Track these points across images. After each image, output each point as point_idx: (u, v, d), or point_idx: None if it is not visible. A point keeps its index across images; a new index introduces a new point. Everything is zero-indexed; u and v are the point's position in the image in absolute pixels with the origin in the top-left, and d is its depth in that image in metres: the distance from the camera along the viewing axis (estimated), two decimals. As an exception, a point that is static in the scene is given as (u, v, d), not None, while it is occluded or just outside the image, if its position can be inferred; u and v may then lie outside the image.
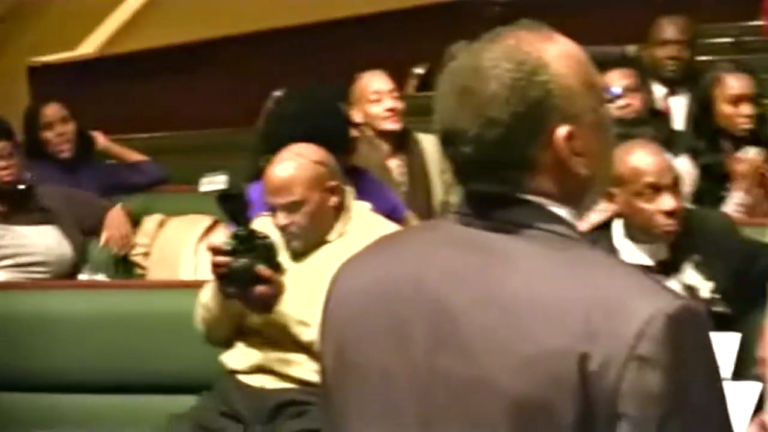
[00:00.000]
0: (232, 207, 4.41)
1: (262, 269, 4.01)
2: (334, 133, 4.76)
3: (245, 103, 7.13)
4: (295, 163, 4.22)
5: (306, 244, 4.24)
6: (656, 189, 4.15)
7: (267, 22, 9.12)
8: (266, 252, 4.06)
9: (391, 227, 4.27)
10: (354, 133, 5.14)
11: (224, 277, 4.03)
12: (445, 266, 1.84)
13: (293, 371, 4.17)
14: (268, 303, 4.08)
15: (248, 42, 9.14)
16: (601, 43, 6.29)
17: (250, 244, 4.03)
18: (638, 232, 4.22)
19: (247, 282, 4.02)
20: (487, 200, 1.84)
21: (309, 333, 3.98)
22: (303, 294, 4.01)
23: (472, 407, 1.78)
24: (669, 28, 6.78)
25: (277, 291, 4.06)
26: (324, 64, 7.10)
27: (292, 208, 4.17)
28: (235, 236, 4.04)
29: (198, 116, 8.62)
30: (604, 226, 4.31)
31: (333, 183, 4.26)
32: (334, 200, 4.25)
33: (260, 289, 4.02)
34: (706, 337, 1.78)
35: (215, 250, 4.04)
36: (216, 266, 4.03)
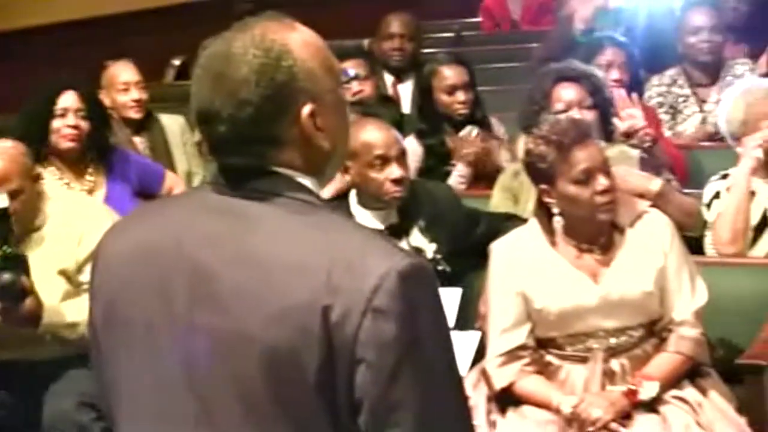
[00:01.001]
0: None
1: (25, 281, 3.82)
2: None
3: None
4: (5, 155, 4.17)
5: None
6: (385, 160, 4.21)
7: (37, 18, 8.97)
8: (24, 264, 3.84)
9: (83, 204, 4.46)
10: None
11: None
12: (202, 230, 1.86)
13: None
14: (35, 317, 3.91)
15: (19, 36, 8.95)
16: (340, 37, 6.38)
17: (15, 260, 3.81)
18: (370, 199, 4.28)
19: (16, 297, 3.81)
20: (239, 172, 1.87)
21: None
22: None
23: (229, 357, 1.79)
24: (394, 23, 6.97)
25: (39, 303, 3.92)
26: (92, 57, 7.01)
27: (13, 196, 4.06)
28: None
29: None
30: (343, 196, 4.37)
31: (36, 172, 4.29)
32: (37, 188, 4.25)
33: (29, 303, 3.85)
34: (433, 291, 1.83)
35: None
36: None
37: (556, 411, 3.71)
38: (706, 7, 6.37)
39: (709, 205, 4.61)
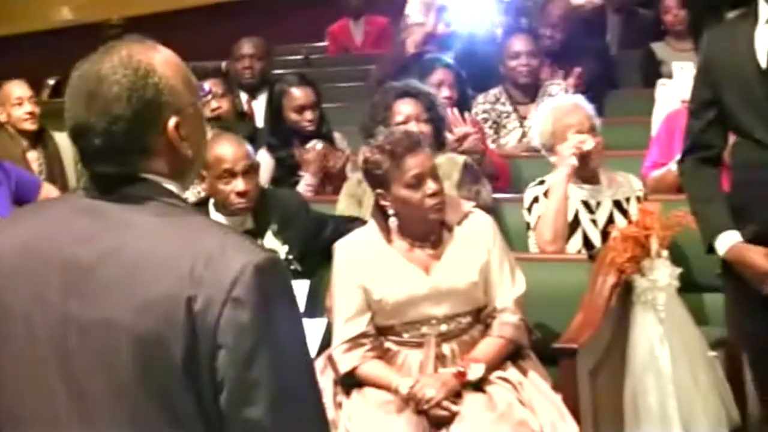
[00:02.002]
0: None
1: None
2: None
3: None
4: None
5: None
6: (231, 174, 4.21)
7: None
8: None
9: None
10: None
11: None
12: (76, 229, 1.85)
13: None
14: None
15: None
16: (199, 58, 6.38)
17: None
18: (222, 207, 4.28)
19: None
20: (112, 179, 1.87)
21: None
22: None
23: (101, 345, 1.78)
24: (246, 45, 6.99)
25: None
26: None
27: None
28: None
29: None
30: (203, 202, 4.37)
31: None
32: None
33: None
34: (286, 283, 1.85)
35: None
36: None
37: (395, 392, 3.72)
38: (524, 34, 6.49)
39: (529, 209, 4.65)
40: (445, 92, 5.54)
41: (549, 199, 4.57)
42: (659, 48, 7.58)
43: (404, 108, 4.75)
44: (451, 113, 5.16)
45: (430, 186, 3.79)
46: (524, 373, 3.85)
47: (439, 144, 4.69)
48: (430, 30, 7.55)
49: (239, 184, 4.22)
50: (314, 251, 4.36)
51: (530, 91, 6.26)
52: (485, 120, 6.20)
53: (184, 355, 1.75)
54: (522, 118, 6.17)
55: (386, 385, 3.77)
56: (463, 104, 5.60)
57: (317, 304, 4.26)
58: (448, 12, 7.93)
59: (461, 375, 3.74)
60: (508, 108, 6.27)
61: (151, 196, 1.86)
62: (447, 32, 7.63)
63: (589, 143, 4.59)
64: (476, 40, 7.65)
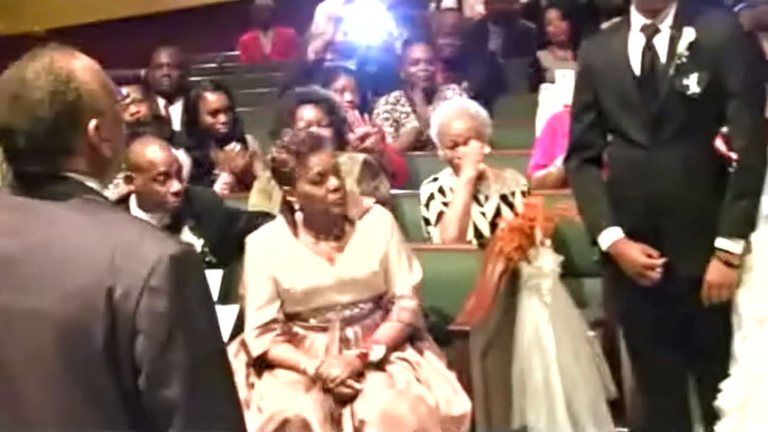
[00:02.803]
0: None
1: None
2: None
3: None
4: None
5: None
6: (167, 176, 4.19)
7: None
8: None
9: None
10: None
11: None
12: (3, 225, 1.84)
13: None
14: None
15: None
16: (121, 66, 6.30)
17: None
18: (150, 205, 4.23)
19: None
20: (36, 178, 1.85)
21: None
22: None
23: (29, 334, 1.77)
24: (163, 54, 6.88)
25: None
26: None
27: None
28: None
29: None
30: (124, 200, 4.31)
31: None
32: None
33: None
34: (200, 272, 1.85)
35: None
36: None
37: (303, 372, 3.71)
38: (423, 43, 6.52)
39: (427, 206, 4.64)
40: (347, 96, 5.54)
41: (454, 201, 4.55)
42: (543, 56, 7.62)
43: (306, 113, 4.72)
44: (353, 115, 5.16)
45: (332, 182, 3.77)
46: (421, 353, 3.85)
47: (340, 144, 4.66)
48: (328, 39, 7.55)
49: (175, 184, 4.20)
50: (228, 244, 4.31)
51: (428, 94, 6.28)
52: (386, 119, 6.19)
53: (105, 341, 1.74)
54: (419, 118, 6.18)
55: (295, 366, 3.75)
56: (363, 107, 5.62)
57: (230, 293, 4.22)
58: (345, 23, 7.92)
59: (364, 356, 3.73)
60: (407, 109, 6.26)
61: (73, 193, 1.85)
62: (345, 41, 7.62)
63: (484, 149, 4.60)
64: (373, 49, 7.64)
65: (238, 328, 3.97)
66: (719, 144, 3.63)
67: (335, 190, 3.79)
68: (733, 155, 3.65)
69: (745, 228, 3.64)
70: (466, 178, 4.55)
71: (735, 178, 3.63)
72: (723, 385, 3.65)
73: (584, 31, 6.79)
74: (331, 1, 9.89)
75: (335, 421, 3.63)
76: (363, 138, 5.05)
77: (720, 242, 3.65)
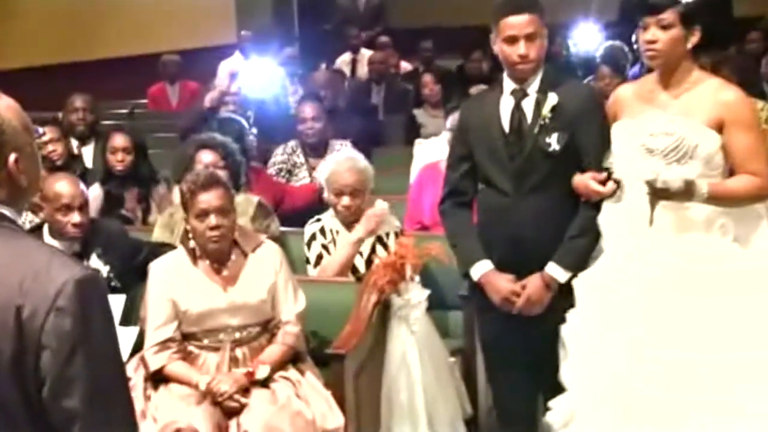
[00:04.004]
0: None
1: None
2: None
3: None
4: None
5: None
6: (69, 208, 4.13)
7: None
8: None
9: None
10: None
11: None
12: None
13: None
14: None
15: None
16: (40, 109, 6.18)
17: None
18: (57, 234, 4.17)
19: None
20: None
21: None
22: None
23: None
24: (78, 100, 6.73)
25: None
26: None
27: None
28: None
29: None
30: (38, 228, 4.26)
31: None
32: None
33: None
34: (104, 295, 1.84)
35: None
36: None
37: (196, 387, 3.69)
38: (312, 102, 6.35)
39: (308, 245, 4.59)
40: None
41: (337, 252, 4.51)
42: (419, 113, 7.73)
43: (204, 157, 4.68)
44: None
45: (212, 221, 3.77)
46: (302, 373, 3.85)
47: (236, 185, 4.61)
48: (224, 90, 7.52)
49: (75, 216, 4.13)
50: (131, 271, 4.26)
51: (320, 147, 6.15)
52: (280, 170, 6.14)
53: (13, 355, 1.73)
54: (312, 169, 6.07)
55: (188, 381, 3.72)
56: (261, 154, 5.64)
57: (132, 315, 4.17)
58: (239, 77, 8.00)
59: (250, 374, 3.72)
60: (302, 159, 6.19)
61: None
62: (238, 93, 7.61)
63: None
64: (266, 102, 7.68)
65: (138, 346, 3.92)
66: (591, 182, 3.62)
67: (213, 228, 3.77)
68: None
69: (575, 263, 3.66)
70: (356, 237, 4.47)
71: (577, 219, 3.68)
72: (551, 403, 3.67)
73: (454, 94, 6.94)
74: (232, 58, 9.94)
75: (222, 431, 3.61)
76: None
77: (549, 266, 3.67)
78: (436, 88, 7.69)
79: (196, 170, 4.04)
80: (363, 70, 10.11)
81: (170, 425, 3.55)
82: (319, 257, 4.56)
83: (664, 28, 3.45)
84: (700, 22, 3.49)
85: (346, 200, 4.54)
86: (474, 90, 6.81)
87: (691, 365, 3.33)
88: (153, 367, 3.77)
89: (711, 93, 3.47)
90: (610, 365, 3.48)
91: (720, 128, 3.43)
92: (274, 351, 3.84)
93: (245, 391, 3.69)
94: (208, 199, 3.79)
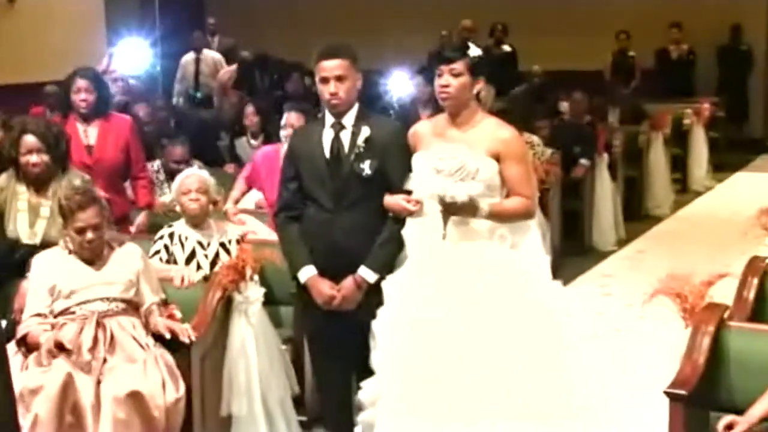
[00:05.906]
0: None
1: None
2: None
3: None
4: None
5: None
6: None
7: None
8: None
9: None
10: None
11: None
12: None
13: None
14: None
15: None
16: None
17: None
18: None
19: None
20: None
21: None
22: None
23: None
24: None
25: None
26: None
27: None
28: None
29: None
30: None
31: None
32: None
33: None
34: None
35: None
36: None
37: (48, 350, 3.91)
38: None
39: (156, 241, 4.71)
40: (82, 96, 5.58)
41: (163, 271, 4.54)
42: (238, 143, 7.99)
43: (28, 141, 4.58)
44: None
45: (89, 235, 4.09)
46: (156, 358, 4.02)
47: (63, 167, 4.62)
48: (104, 68, 7.30)
49: None
50: (9, 268, 4.43)
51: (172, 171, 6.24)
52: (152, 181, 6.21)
53: None
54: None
55: (37, 343, 3.98)
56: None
57: (6, 306, 4.33)
58: (115, 56, 7.93)
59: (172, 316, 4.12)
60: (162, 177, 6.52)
61: None
62: (115, 71, 7.60)
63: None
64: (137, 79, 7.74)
65: (8, 336, 3.91)
66: (402, 201, 3.89)
67: (89, 242, 4.11)
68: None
69: (382, 266, 3.94)
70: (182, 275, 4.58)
71: (385, 231, 3.97)
72: (363, 384, 3.94)
73: (272, 123, 7.09)
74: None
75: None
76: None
77: (361, 269, 3.95)
78: (256, 119, 7.76)
79: (74, 186, 4.25)
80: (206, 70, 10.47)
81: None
82: (157, 252, 4.73)
83: (455, 76, 3.87)
84: (483, 73, 3.97)
85: (193, 195, 4.77)
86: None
87: (474, 353, 3.74)
88: (20, 334, 3.98)
89: (491, 130, 3.92)
90: (411, 354, 3.81)
91: (498, 158, 3.87)
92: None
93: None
94: (86, 218, 4.08)
